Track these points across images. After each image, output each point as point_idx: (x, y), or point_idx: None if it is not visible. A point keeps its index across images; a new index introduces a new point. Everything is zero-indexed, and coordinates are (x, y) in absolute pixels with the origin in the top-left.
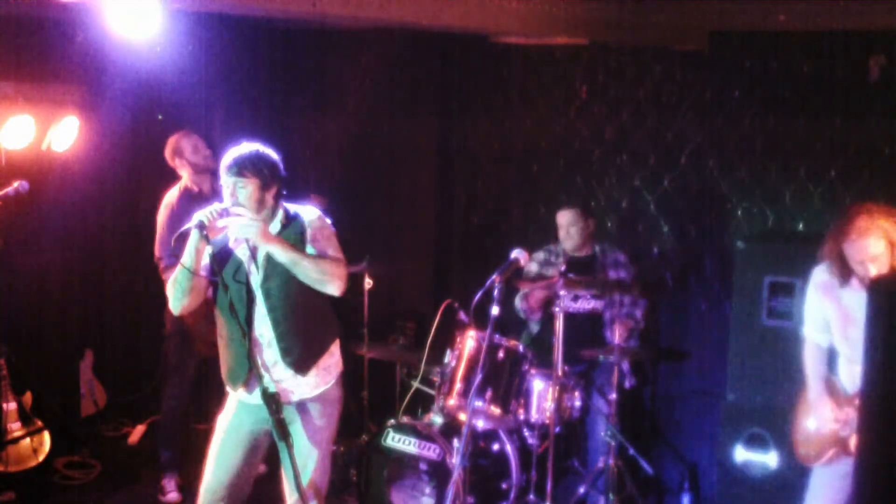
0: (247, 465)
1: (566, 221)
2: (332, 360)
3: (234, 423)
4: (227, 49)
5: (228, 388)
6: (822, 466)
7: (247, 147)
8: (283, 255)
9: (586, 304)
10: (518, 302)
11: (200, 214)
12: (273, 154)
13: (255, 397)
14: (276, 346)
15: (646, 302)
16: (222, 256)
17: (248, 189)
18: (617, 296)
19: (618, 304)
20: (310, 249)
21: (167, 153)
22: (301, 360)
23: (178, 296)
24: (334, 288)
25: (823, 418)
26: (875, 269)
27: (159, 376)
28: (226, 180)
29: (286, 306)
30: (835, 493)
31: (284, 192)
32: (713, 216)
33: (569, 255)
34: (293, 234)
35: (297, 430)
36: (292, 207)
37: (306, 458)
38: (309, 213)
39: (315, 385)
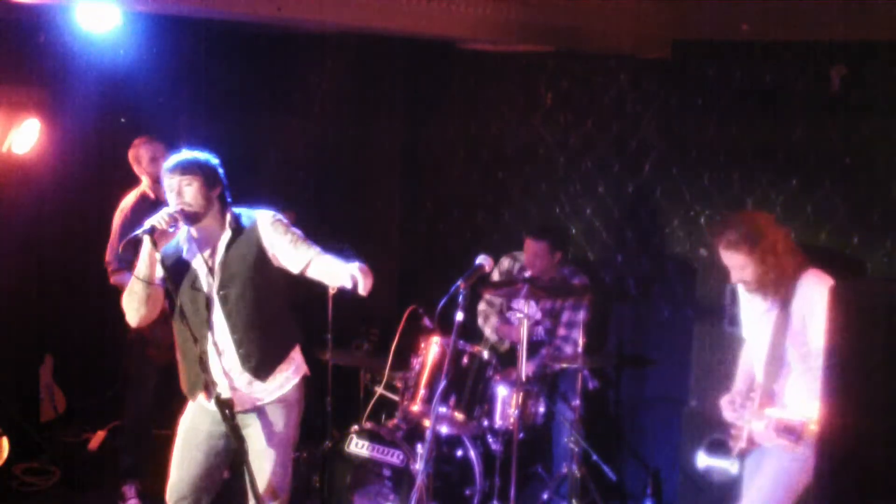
0: (208, 466)
1: (532, 251)
2: (294, 365)
3: (192, 425)
4: (192, 52)
5: (188, 396)
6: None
7: (186, 151)
8: None
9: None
10: (488, 332)
11: (152, 220)
12: (213, 158)
13: (212, 402)
14: (234, 352)
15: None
16: (178, 265)
17: (193, 185)
18: (562, 330)
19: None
20: (281, 249)
21: (129, 157)
22: (260, 365)
23: (134, 307)
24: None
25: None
26: (737, 278)
27: (120, 382)
28: (170, 182)
29: (243, 312)
30: (748, 479)
31: (229, 200)
32: (676, 223)
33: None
34: (247, 242)
35: (255, 432)
36: (243, 212)
37: (264, 460)
38: (262, 216)
39: (275, 389)
